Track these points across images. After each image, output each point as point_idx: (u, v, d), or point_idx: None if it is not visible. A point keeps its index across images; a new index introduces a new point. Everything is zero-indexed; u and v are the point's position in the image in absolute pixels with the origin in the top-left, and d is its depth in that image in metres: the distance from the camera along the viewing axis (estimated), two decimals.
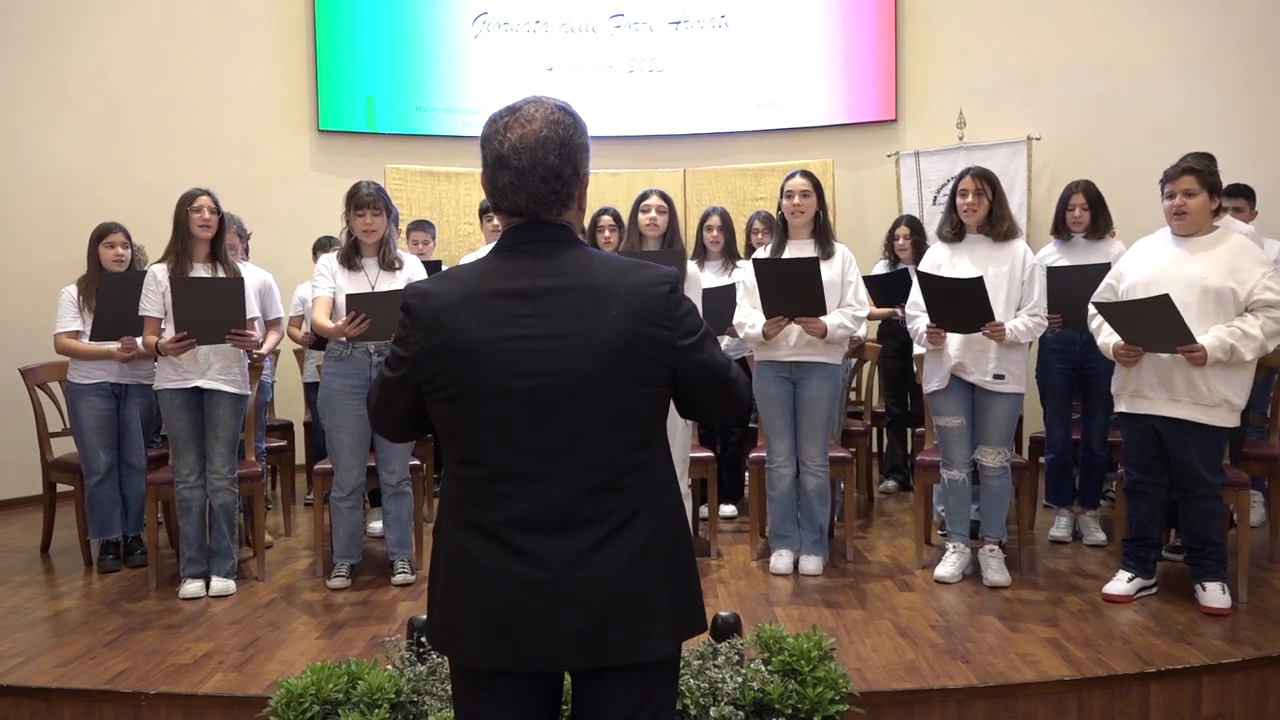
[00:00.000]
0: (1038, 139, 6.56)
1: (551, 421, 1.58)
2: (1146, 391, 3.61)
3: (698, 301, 3.89)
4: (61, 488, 4.85)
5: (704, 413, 1.78)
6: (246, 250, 5.04)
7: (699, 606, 1.73)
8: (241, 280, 4.00)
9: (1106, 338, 3.70)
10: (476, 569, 1.61)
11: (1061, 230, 4.55)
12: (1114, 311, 3.61)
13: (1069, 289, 4.21)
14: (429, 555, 4.66)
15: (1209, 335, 3.43)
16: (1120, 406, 3.73)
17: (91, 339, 4.41)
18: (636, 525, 1.61)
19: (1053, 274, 4.28)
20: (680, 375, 1.65)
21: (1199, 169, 3.57)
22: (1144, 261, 3.68)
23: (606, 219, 4.45)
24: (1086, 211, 4.48)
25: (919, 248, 5.44)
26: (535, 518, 1.59)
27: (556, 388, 1.57)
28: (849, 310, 4.12)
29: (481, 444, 1.61)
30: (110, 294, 4.29)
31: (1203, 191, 3.55)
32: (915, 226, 5.71)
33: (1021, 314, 3.93)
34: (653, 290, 1.61)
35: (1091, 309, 3.82)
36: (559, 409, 1.58)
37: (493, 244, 5.05)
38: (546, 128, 1.62)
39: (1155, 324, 3.45)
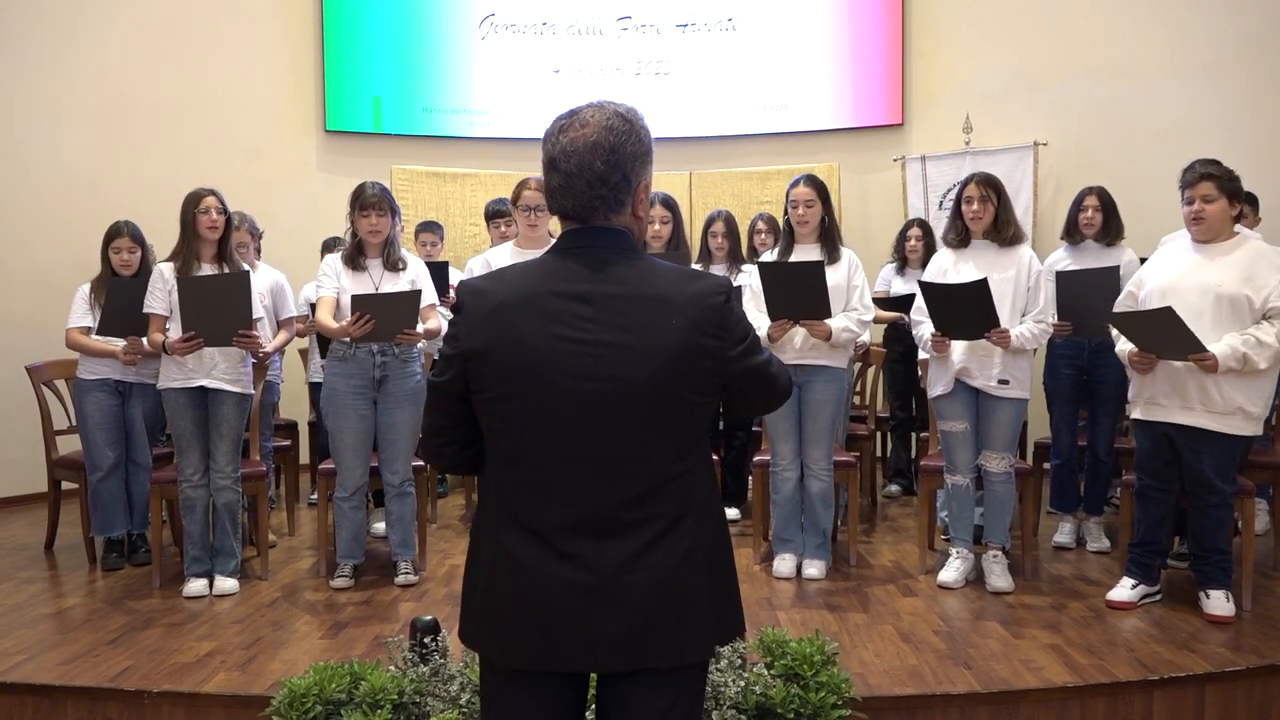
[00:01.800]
0: (1044, 144, 6.56)
1: (605, 426, 1.59)
2: (1160, 399, 3.60)
3: None
4: (66, 485, 4.86)
5: (751, 412, 1.85)
6: (259, 249, 5.05)
7: (738, 610, 1.75)
8: (247, 274, 4.01)
9: (1124, 344, 3.68)
10: (521, 570, 1.61)
11: (1073, 233, 4.54)
12: (1125, 322, 3.60)
13: (1078, 296, 4.19)
14: (433, 556, 4.65)
15: (1221, 343, 3.41)
16: (1135, 413, 3.72)
17: (97, 332, 4.42)
18: (680, 530, 1.63)
19: (1062, 278, 4.27)
20: (730, 383, 1.67)
21: (1218, 175, 3.53)
22: (1164, 268, 3.66)
23: None
24: (1099, 213, 4.47)
25: (930, 251, 5.43)
26: (583, 522, 1.60)
27: (613, 393, 1.58)
28: (854, 314, 4.12)
29: (531, 445, 1.61)
30: (123, 292, 4.29)
31: (1221, 197, 3.52)
32: (927, 229, 5.72)
33: (1027, 320, 3.92)
34: (710, 300, 1.62)
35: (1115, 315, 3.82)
36: (613, 414, 1.59)
37: (498, 246, 5.07)
38: (598, 133, 1.63)
39: (1164, 334, 3.45)
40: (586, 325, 1.59)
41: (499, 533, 1.64)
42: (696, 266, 4.34)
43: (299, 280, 5.52)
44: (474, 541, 1.73)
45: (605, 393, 1.58)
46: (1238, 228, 3.68)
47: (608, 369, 1.58)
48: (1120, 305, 3.79)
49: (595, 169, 1.62)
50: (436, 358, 1.74)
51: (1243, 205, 3.64)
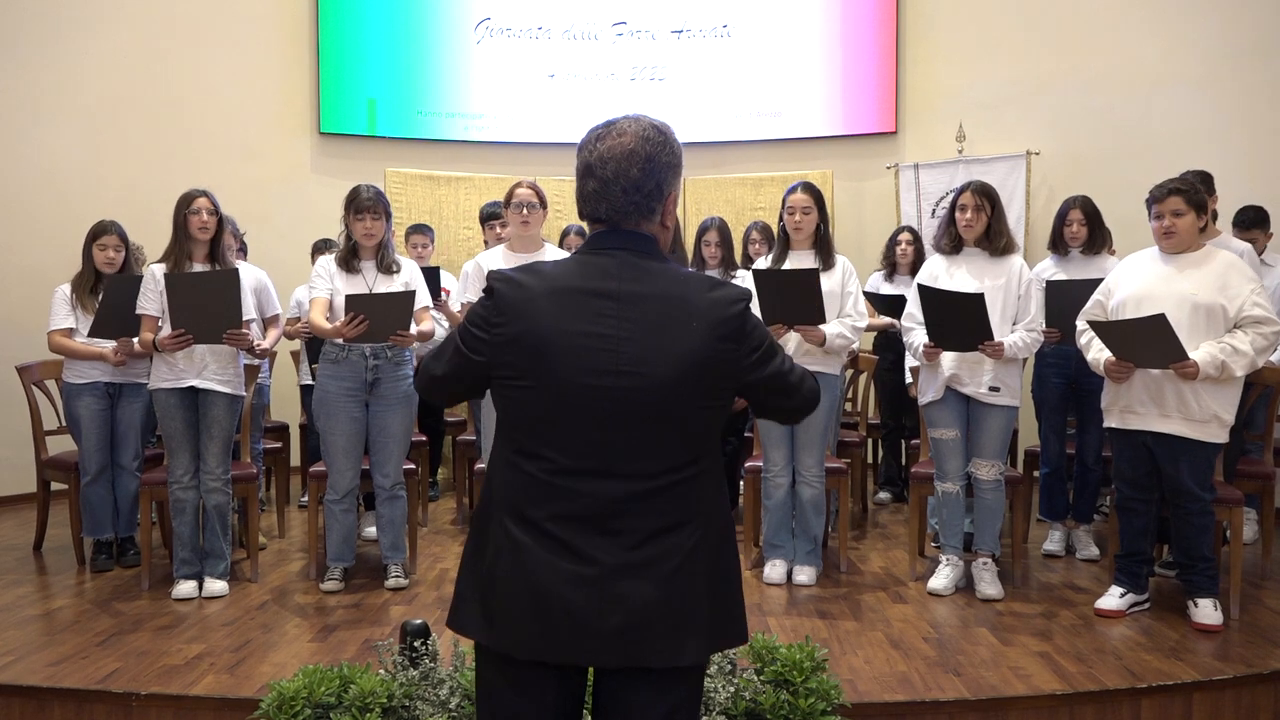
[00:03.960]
0: (1037, 154, 6.59)
1: (618, 423, 1.62)
2: (1137, 407, 3.63)
3: None
4: (56, 486, 4.84)
5: (775, 418, 1.88)
6: (244, 249, 5.03)
7: (740, 617, 1.75)
8: (236, 272, 4.01)
9: (1096, 353, 3.72)
10: (525, 560, 1.63)
11: (1059, 245, 4.56)
12: (1108, 330, 3.63)
13: (1068, 303, 4.22)
14: (424, 559, 4.64)
15: (1201, 351, 3.46)
16: (1110, 422, 3.75)
17: (90, 334, 4.39)
18: (684, 531, 1.65)
19: (1052, 287, 4.30)
20: (748, 390, 1.72)
21: (1184, 189, 3.61)
22: (1133, 278, 3.71)
23: None
24: (1084, 227, 4.49)
25: (919, 257, 5.45)
26: (589, 516, 1.62)
27: (628, 390, 1.61)
28: (848, 320, 4.13)
29: (546, 437, 1.64)
30: (117, 294, 4.24)
31: (1190, 211, 3.59)
32: (917, 236, 5.73)
33: (1018, 329, 3.94)
34: (730, 309, 1.67)
35: (1080, 324, 3.85)
36: (627, 411, 1.62)
37: (491, 249, 5.07)
38: (635, 142, 1.68)
39: (1149, 342, 3.48)
40: (608, 322, 1.63)
41: (505, 521, 1.66)
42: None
43: (292, 282, 5.51)
44: (476, 530, 1.74)
45: (621, 389, 1.61)
46: (1225, 236, 3.72)
47: (626, 365, 1.61)
48: (1087, 314, 3.82)
49: (631, 175, 1.67)
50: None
51: (1208, 217, 3.69)
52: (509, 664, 1.66)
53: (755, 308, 4.18)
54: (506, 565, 1.64)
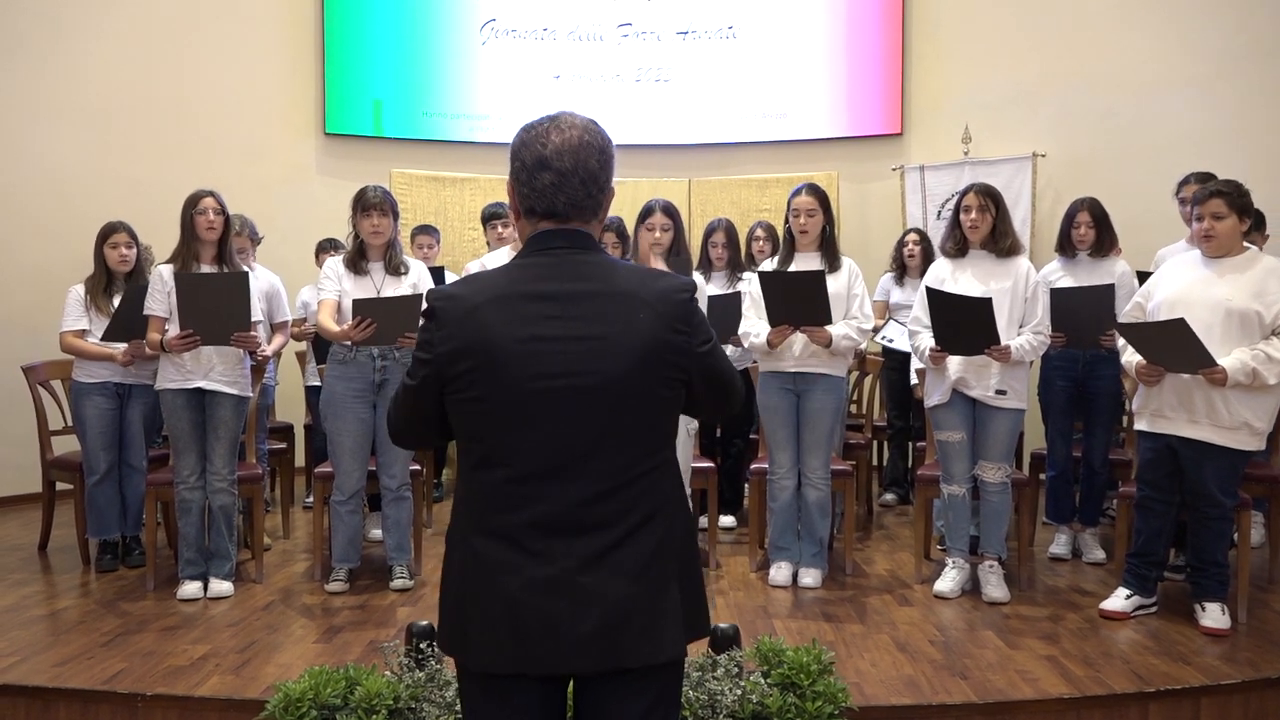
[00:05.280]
0: (1043, 155, 6.58)
1: (578, 423, 1.60)
2: (1167, 411, 3.60)
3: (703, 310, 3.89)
4: (61, 486, 4.84)
5: (701, 413, 1.85)
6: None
7: (705, 609, 1.76)
8: (246, 275, 4.01)
9: (1130, 356, 3.68)
10: (494, 572, 1.61)
11: (1066, 248, 4.55)
12: (1134, 332, 3.60)
13: (1072, 309, 4.21)
14: (429, 560, 4.63)
15: (1230, 357, 3.41)
16: (1140, 425, 3.72)
17: (103, 339, 4.39)
18: (651, 527, 1.64)
19: (1056, 295, 4.29)
20: (693, 379, 1.69)
21: (1227, 191, 3.54)
22: (1172, 281, 3.67)
23: (609, 236, 4.43)
24: (1092, 229, 4.48)
25: (927, 258, 5.44)
26: (556, 520, 1.60)
27: (584, 389, 1.60)
28: (854, 322, 4.13)
29: (506, 446, 1.62)
30: (134, 301, 4.23)
31: (1231, 214, 3.53)
32: (924, 237, 5.72)
33: (1025, 331, 3.93)
34: (676, 297, 1.65)
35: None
36: (586, 410, 1.60)
37: (498, 249, 5.03)
38: (587, 134, 1.67)
39: (1174, 346, 3.44)
40: (555, 324, 1.60)
41: (471, 536, 1.65)
42: (697, 274, 4.33)
43: (297, 282, 5.51)
44: (447, 548, 1.73)
45: (578, 388, 1.59)
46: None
47: (579, 364, 1.59)
48: (1126, 316, 3.79)
49: (590, 167, 1.66)
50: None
51: (1252, 220, 3.65)
52: (490, 680, 1.65)
53: (751, 305, 4.21)
54: (476, 580, 1.63)
